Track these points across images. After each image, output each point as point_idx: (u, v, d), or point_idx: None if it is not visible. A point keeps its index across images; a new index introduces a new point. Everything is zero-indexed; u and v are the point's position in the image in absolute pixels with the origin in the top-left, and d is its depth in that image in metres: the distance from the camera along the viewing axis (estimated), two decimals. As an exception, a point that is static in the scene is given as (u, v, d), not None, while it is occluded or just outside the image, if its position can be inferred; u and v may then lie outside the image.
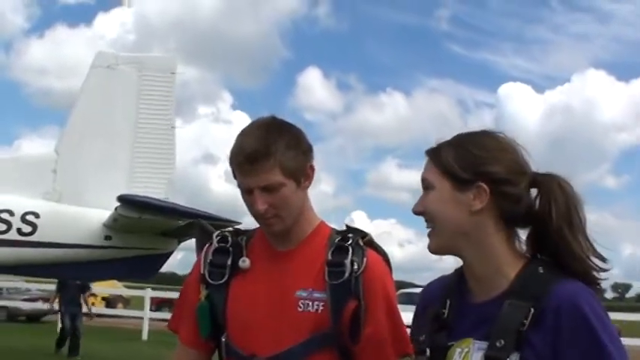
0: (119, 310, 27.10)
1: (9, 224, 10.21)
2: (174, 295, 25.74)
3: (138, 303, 24.92)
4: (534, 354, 1.63)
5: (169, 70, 11.39)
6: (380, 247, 2.20)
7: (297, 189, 2.11)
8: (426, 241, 1.83)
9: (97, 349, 15.22)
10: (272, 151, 2.04)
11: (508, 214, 1.75)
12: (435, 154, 1.82)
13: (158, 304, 25.78)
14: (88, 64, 11.25)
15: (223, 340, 2.16)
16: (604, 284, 1.76)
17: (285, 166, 2.06)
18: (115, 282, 25.88)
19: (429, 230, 1.81)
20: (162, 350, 15.74)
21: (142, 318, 20.40)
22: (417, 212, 1.82)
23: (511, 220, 1.76)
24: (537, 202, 1.77)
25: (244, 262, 2.17)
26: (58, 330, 15.73)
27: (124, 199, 9.82)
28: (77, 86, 11.48)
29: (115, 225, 10.24)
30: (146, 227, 10.25)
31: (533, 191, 1.78)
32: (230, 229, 2.30)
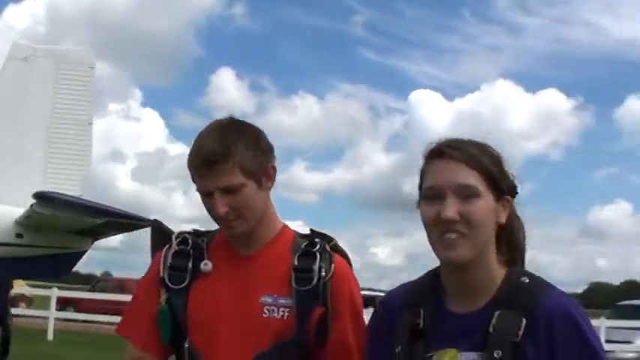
0: (23, 310, 26.08)
1: None
2: (81, 294, 25.14)
3: (41, 303, 24.07)
4: None
5: (88, 64, 11.04)
6: (344, 251, 2.20)
7: (258, 189, 2.08)
8: None
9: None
10: (231, 152, 2.01)
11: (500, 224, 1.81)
12: (475, 159, 1.75)
13: (63, 304, 24.97)
14: (-1, 54, 10.87)
15: (186, 346, 2.10)
16: None
17: (245, 166, 2.03)
18: (18, 280, 24.91)
19: (454, 237, 1.72)
20: (68, 350, 15.32)
21: (47, 318, 19.76)
22: (452, 219, 1.71)
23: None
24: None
25: (206, 266, 2.13)
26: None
27: (40, 196, 9.48)
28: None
29: (27, 222, 9.86)
30: (61, 225, 9.93)
31: None
32: (189, 230, 2.25)
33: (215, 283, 2.12)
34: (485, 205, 1.73)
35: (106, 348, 12.68)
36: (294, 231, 2.22)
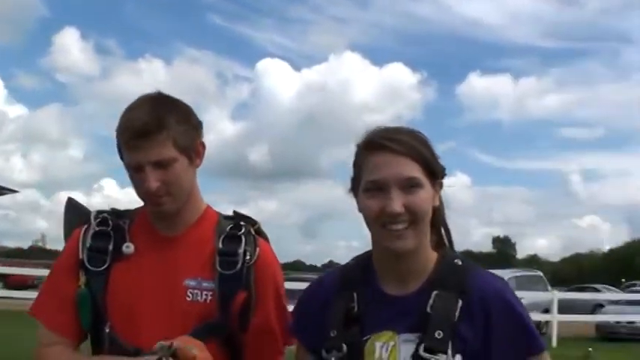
0: None
1: None
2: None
3: None
4: (467, 342, 1.71)
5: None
6: (266, 235, 2.16)
7: (188, 166, 2.02)
8: None
9: None
10: (164, 124, 1.94)
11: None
12: (415, 151, 1.76)
13: None
14: None
15: (107, 330, 2.02)
16: None
17: (177, 140, 1.96)
18: None
19: (400, 228, 1.73)
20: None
21: None
22: (399, 213, 1.72)
23: None
24: None
25: (128, 248, 2.05)
26: None
27: None
28: None
29: None
30: None
31: None
32: (108, 209, 2.15)
33: (137, 266, 2.04)
34: (426, 195, 1.76)
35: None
36: (218, 212, 2.17)
